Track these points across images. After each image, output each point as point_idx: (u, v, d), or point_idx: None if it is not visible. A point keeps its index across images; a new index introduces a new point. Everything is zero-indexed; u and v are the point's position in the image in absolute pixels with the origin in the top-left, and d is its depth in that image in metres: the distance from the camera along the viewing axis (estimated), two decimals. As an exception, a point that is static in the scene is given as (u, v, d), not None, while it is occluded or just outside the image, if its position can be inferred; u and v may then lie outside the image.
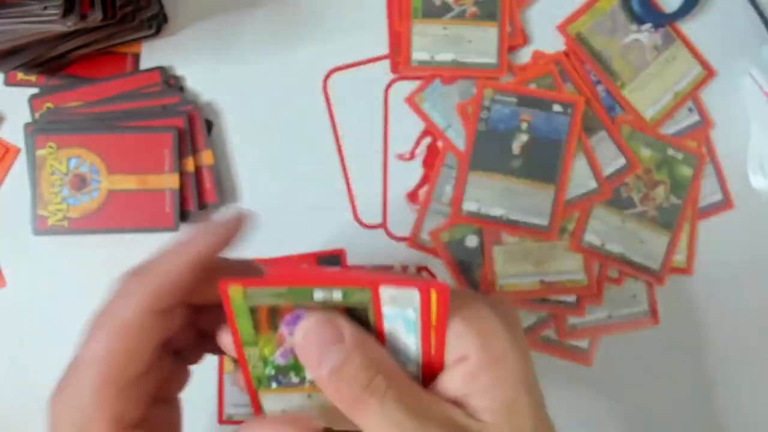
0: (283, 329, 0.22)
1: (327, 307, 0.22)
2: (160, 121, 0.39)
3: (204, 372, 0.39)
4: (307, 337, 0.23)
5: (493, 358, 0.24)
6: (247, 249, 0.40)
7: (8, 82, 0.41)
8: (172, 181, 0.39)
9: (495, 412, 0.23)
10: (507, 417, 0.23)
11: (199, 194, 0.39)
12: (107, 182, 0.39)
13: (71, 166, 0.39)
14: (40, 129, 0.39)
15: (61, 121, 0.39)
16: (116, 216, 0.39)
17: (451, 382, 0.24)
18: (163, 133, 0.39)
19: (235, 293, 0.21)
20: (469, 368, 0.24)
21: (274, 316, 0.22)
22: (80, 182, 0.39)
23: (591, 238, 0.41)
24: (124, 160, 0.39)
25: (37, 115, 0.40)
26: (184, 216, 0.39)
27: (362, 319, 0.23)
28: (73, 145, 0.39)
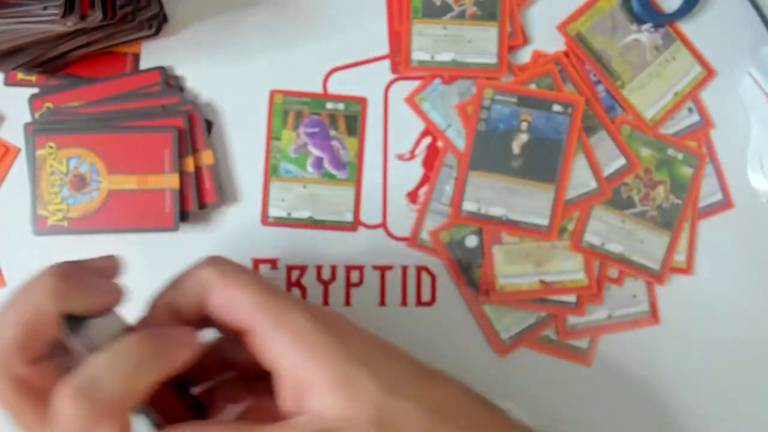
0: (301, 129, 0.37)
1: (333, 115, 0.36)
2: (160, 121, 0.39)
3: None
4: None
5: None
6: (249, 250, 0.41)
7: (8, 82, 0.41)
8: (172, 180, 0.39)
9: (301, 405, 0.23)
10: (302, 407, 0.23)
11: (198, 194, 0.39)
12: (107, 182, 0.39)
13: (71, 166, 0.39)
14: (40, 129, 0.39)
15: (61, 121, 0.39)
16: (116, 216, 0.39)
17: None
18: (163, 133, 0.39)
19: (277, 98, 0.38)
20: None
21: (298, 118, 0.37)
22: (80, 182, 0.39)
23: (591, 238, 0.41)
24: (124, 160, 0.39)
25: (37, 115, 0.40)
26: (183, 216, 0.39)
27: None
28: (72, 145, 0.39)
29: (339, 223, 0.41)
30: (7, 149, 0.41)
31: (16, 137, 0.40)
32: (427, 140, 0.42)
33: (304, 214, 0.40)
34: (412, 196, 0.41)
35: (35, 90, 0.40)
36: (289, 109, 0.40)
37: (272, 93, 0.41)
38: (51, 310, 0.23)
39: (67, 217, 0.39)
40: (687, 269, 0.41)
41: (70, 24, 0.34)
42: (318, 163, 0.40)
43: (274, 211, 0.41)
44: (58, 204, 0.39)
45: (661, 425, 0.41)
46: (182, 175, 0.39)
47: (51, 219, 0.39)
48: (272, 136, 0.41)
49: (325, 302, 0.41)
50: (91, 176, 0.39)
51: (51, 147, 0.39)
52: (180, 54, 0.41)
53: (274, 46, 0.42)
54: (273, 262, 0.41)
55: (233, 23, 0.42)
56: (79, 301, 0.24)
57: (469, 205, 0.40)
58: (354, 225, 0.41)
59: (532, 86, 0.41)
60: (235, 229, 0.41)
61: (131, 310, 0.40)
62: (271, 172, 0.41)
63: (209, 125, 0.41)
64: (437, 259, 0.41)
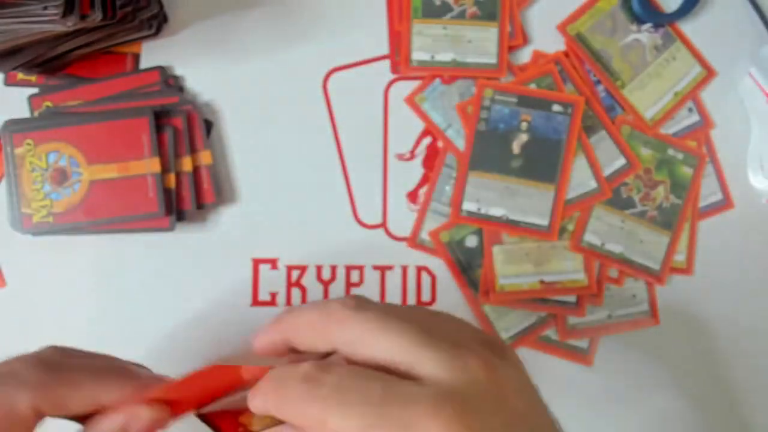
0: None
1: None
2: (135, 103, 0.39)
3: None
4: None
5: None
6: (249, 250, 0.41)
7: (8, 82, 0.41)
8: (152, 165, 0.38)
9: None
10: None
11: (197, 194, 0.39)
12: (88, 173, 0.38)
13: (50, 160, 0.38)
14: (15, 128, 0.39)
15: (36, 117, 0.39)
16: (100, 206, 0.38)
17: None
18: (140, 118, 0.38)
19: None
20: None
21: None
22: (61, 176, 0.38)
23: (591, 238, 0.41)
24: (103, 149, 0.39)
25: (36, 114, 0.40)
26: (180, 215, 0.39)
27: None
28: (50, 140, 0.38)
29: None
30: (6, 149, 0.41)
31: (15, 137, 0.40)
32: (427, 140, 0.42)
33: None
34: (412, 196, 0.41)
35: (35, 90, 0.40)
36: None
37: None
38: None
39: (51, 213, 0.38)
40: (687, 269, 0.41)
41: (70, 24, 0.34)
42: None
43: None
44: (41, 201, 0.38)
45: (661, 425, 0.41)
46: (179, 174, 0.39)
47: (36, 216, 0.38)
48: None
49: (325, 302, 0.41)
50: (72, 169, 0.38)
51: (29, 144, 0.38)
52: (180, 54, 0.41)
53: (274, 46, 0.42)
54: (273, 262, 0.41)
55: (233, 23, 0.42)
56: None
57: (469, 205, 0.40)
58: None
59: (532, 86, 0.41)
60: (233, 229, 0.41)
61: (132, 310, 0.40)
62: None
63: (209, 125, 0.41)
64: (437, 259, 0.41)
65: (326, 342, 0.23)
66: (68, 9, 0.33)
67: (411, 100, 0.42)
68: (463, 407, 0.20)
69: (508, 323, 0.40)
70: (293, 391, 0.21)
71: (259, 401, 0.22)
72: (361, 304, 0.23)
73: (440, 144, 0.41)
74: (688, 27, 0.43)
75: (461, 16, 0.41)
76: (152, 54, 0.41)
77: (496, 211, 0.40)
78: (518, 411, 0.22)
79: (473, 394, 0.21)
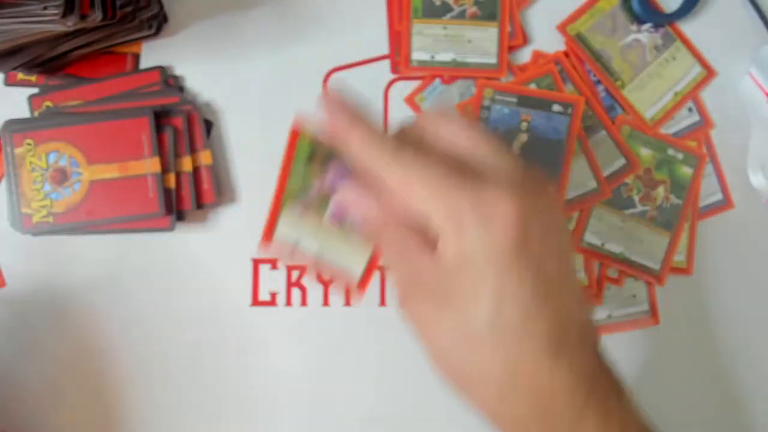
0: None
1: None
2: (135, 103, 0.39)
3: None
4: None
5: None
6: (249, 250, 0.41)
7: (8, 82, 0.41)
8: (152, 165, 0.38)
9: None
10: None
11: (197, 194, 0.39)
12: (88, 173, 0.39)
13: (50, 160, 0.38)
14: (15, 127, 0.39)
15: (36, 117, 0.39)
16: (100, 206, 0.38)
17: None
18: (140, 117, 0.38)
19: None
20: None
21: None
22: (61, 176, 0.38)
23: (591, 238, 0.41)
24: (103, 149, 0.39)
25: (36, 114, 0.40)
26: (180, 215, 0.39)
27: None
28: (50, 140, 0.39)
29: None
30: (7, 149, 0.41)
31: (16, 137, 0.40)
32: (427, 140, 0.42)
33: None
34: (412, 196, 0.41)
35: (35, 90, 0.40)
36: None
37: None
38: None
39: (51, 213, 0.38)
40: (687, 269, 0.41)
41: (70, 24, 0.34)
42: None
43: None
44: (41, 201, 0.38)
45: (661, 425, 0.41)
46: (179, 174, 0.39)
47: (36, 216, 0.39)
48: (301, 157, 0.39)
49: (325, 302, 0.41)
50: (72, 169, 0.38)
51: (29, 144, 0.38)
52: (180, 54, 0.41)
53: (274, 46, 0.42)
54: (273, 262, 0.41)
55: (233, 23, 0.42)
56: None
57: (469, 205, 0.40)
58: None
59: (532, 86, 0.41)
60: (233, 229, 0.41)
61: (132, 310, 0.40)
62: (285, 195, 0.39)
63: (209, 125, 0.41)
64: (437, 259, 0.41)
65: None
66: (68, 9, 0.33)
67: (411, 100, 0.42)
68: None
69: (508, 323, 0.40)
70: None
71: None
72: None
73: (440, 144, 0.41)
74: (688, 27, 0.43)
75: (461, 16, 0.41)
76: (152, 54, 0.41)
77: (496, 211, 0.40)
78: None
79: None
